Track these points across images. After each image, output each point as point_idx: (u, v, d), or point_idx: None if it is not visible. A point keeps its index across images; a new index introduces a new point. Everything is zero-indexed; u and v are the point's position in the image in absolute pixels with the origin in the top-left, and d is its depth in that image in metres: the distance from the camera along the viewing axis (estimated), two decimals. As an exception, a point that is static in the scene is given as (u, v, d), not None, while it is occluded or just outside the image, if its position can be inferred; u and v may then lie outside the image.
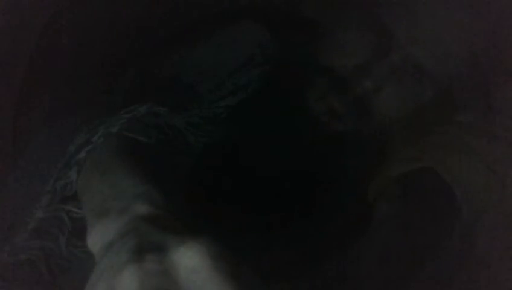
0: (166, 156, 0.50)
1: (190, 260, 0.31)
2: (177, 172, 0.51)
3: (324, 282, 0.57)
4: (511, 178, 0.54)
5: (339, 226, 0.58)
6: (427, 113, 0.58)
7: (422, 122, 0.58)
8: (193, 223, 0.37)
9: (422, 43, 0.55)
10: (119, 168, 0.42)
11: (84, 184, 0.44)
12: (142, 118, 0.49)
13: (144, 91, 0.56)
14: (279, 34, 0.58)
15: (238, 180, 0.55)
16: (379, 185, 0.59)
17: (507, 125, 0.55)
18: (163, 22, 0.60)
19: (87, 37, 0.60)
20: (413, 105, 0.58)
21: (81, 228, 0.44)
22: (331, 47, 0.58)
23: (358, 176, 0.59)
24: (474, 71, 0.55)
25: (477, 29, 0.54)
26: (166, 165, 0.49)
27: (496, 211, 0.54)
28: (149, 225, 0.35)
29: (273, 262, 0.56)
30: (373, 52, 0.56)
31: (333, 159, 0.58)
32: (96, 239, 0.37)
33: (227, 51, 0.56)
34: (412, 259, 0.57)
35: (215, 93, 0.55)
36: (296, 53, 0.59)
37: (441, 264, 0.56)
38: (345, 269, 0.58)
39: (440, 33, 0.55)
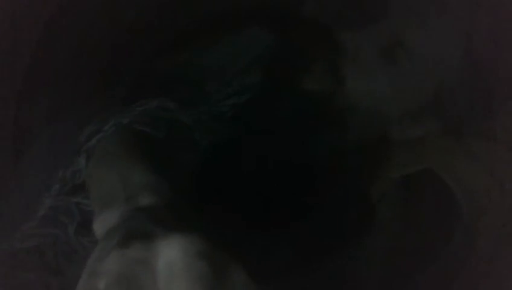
0: (173, 151, 0.51)
1: (169, 253, 0.32)
2: (182, 168, 0.52)
3: (325, 282, 0.58)
4: (510, 179, 0.55)
5: (340, 227, 0.58)
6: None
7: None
8: (192, 219, 0.37)
9: (414, 24, 0.56)
10: (128, 158, 0.43)
11: (93, 172, 0.45)
12: (152, 111, 0.49)
13: (146, 88, 0.56)
14: (284, 36, 0.58)
15: (240, 179, 0.56)
16: (380, 188, 0.59)
17: (507, 127, 0.56)
18: (167, 19, 0.60)
19: (88, 34, 0.60)
20: (410, 97, 0.58)
21: (89, 219, 0.45)
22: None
23: (360, 177, 0.59)
24: (472, 65, 0.56)
25: (477, 22, 0.55)
26: (173, 159, 0.50)
27: (496, 212, 0.55)
28: (146, 215, 0.36)
29: (274, 261, 0.56)
30: (362, 16, 0.56)
31: (335, 158, 0.59)
32: (101, 226, 0.38)
33: (234, 53, 0.57)
34: (412, 260, 0.57)
35: (222, 92, 0.55)
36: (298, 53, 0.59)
37: (442, 265, 0.57)
38: (346, 269, 0.58)
39: (438, 23, 0.55)
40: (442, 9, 0.55)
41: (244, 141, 0.56)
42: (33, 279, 0.47)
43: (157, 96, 0.51)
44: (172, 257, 0.32)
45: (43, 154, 0.53)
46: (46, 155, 0.53)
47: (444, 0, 0.55)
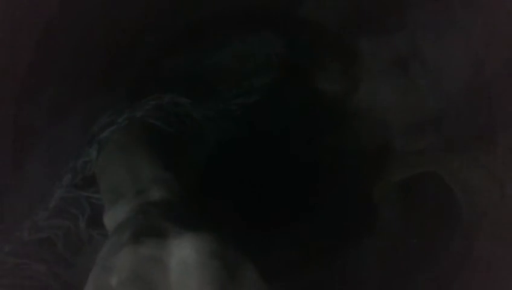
0: (183, 147, 0.51)
1: (183, 252, 0.32)
2: (191, 164, 0.52)
3: (325, 281, 0.58)
4: (510, 181, 0.55)
5: (341, 227, 0.58)
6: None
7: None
8: (202, 216, 0.38)
9: (428, 35, 0.56)
10: (139, 152, 0.44)
11: (104, 165, 0.46)
12: (164, 106, 0.49)
13: (153, 86, 0.56)
14: (295, 41, 0.58)
15: (244, 178, 0.56)
16: (382, 190, 0.59)
17: (507, 130, 0.56)
18: (172, 19, 0.60)
19: (89, 34, 0.59)
20: (416, 110, 0.59)
21: (100, 212, 0.45)
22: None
23: (361, 178, 0.60)
24: (480, 86, 0.56)
25: (490, 49, 0.55)
26: (182, 155, 0.50)
27: (496, 213, 0.56)
28: (157, 211, 0.37)
29: (276, 261, 0.56)
30: (379, 25, 0.57)
31: (337, 160, 0.59)
32: (112, 220, 0.38)
33: (246, 56, 0.57)
34: (413, 260, 0.58)
35: (232, 91, 0.55)
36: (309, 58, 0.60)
37: (442, 265, 0.57)
38: (347, 269, 0.59)
39: (447, 31, 0.56)
40: (459, 31, 0.56)
41: (250, 140, 0.56)
42: (43, 270, 0.47)
43: (168, 93, 0.51)
44: (185, 255, 0.32)
45: (46, 151, 0.53)
46: (50, 152, 0.53)
47: (462, 22, 0.56)
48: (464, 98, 0.57)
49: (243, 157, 0.56)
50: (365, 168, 0.60)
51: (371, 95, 0.58)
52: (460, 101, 0.57)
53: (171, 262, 0.32)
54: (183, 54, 0.58)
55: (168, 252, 0.32)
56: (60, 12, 0.57)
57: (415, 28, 0.57)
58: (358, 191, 0.60)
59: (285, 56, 0.58)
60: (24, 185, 0.50)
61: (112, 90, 0.59)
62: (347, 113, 0.58)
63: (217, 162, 0.55)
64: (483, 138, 0.57)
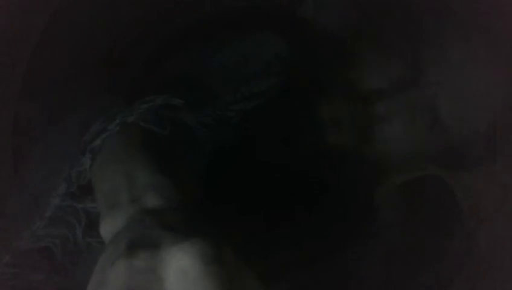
0: (179, 150, 0.50)
1: (180, 261, 0.31)
2: (187, 169, 0.51)
3: (326, 283, 0.58)
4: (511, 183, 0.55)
5: (342, 228, 0.58)
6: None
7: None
8: (199, 222, 0.37)
9: (447, 93, 0.55)
10: (133, 157, 0.43)
11: (98, 172, 0.45)
12: (157, 109, 0.49)
13: (150, 88, 0.56)
14: (299, 46, 0.58)
15: (242, 182, 0.56)
16: (383, 192, 0.59)
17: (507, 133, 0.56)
18: (171, 20, 0.60)
19: (89, 34, 0.59)
20: (417, 150, 0.58)
21: (97, 220, 0.44)
22: (358, 61, 0.58)
23: (361, 181, 0.59)
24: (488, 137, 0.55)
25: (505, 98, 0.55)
26: (177, 161, 0.49)
27: (497, 215, 0.56)
28: (153, 219, 0.36)
29: (275, 262, 0.56)
30: (397, 80, 0.56)
31: (336, 163, 0.59)
32: (107, 229, 0.38)
33: (246, 59, 0.57)
34: (413, 262, 0.58)
35: (230, 97, 0.55)
36: (314, 65, 0.59)
37: (442, 266, 0.57)
38: (348, 270, 0.59)
39: (467, 90, 0.55)
40: (478, 83, 0.55)
41: (249, 145, 0.56)
42: (42, 279, 0.47)
43: (161, 95, 0.50)
44: (184, 264, 0.31)
45: (44, 156, 0.53)
46: (47, 157, 0.53)
47: (482, 72, 0.54)
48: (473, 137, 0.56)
49: (242, 159, 0.56)
50: (366, 171, 0.59)
51: (382, 145, 0.58)
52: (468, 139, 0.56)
53: (168, 272, 0.31)
54: (182, 56, 0.58)
55: (163, 262, 0.31)
56: (59, 12, 0.57)
57: (434, 82, 0.56)
58: (359, 193, 0.60)
59: (287, 59, 0.57)
60: (23, 193, 0.50)
61: (111, 92, 0.59)
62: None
63: (216, 165, 0.55)
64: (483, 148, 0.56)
